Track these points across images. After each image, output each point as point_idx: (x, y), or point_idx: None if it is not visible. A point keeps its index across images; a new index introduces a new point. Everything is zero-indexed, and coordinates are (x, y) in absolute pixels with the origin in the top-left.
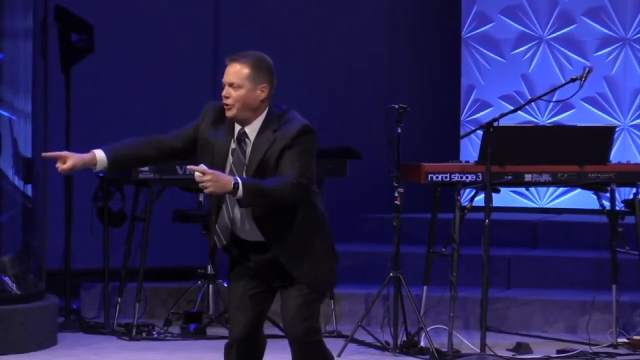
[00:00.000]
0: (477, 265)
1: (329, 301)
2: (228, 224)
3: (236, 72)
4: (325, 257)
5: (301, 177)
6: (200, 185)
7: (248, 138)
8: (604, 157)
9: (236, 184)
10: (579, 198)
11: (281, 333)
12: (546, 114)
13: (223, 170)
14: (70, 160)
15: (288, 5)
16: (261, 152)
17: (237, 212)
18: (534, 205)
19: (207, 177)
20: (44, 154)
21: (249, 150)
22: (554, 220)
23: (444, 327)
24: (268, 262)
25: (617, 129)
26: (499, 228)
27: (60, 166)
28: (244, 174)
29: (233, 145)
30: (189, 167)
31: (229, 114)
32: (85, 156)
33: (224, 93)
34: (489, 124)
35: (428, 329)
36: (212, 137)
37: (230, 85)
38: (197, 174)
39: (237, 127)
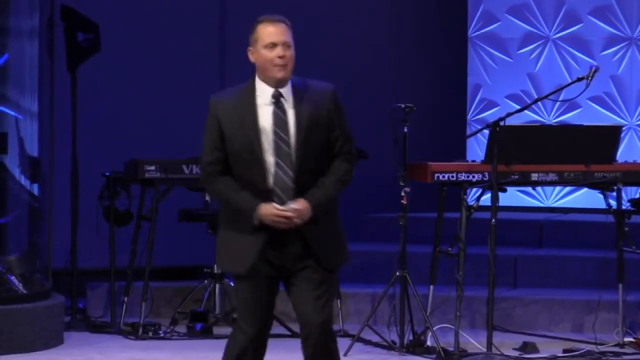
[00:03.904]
0: (483, 264)
1: (335, 301)
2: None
3: (286, 32)
4: (342, 234)
5: (353, 146)
6: (278, 222)
7: (284, 97)
8: (610, 157)
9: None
10: (586, 197)
11: (288, 332)
12: (552, 113)
13: (256, 138)
14: None
15: (291, 5)
16: (308, 110)
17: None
18: (540, 205)
19: (295, 215)
20: None
21: (292, 109)
22: (560, 220)
23: (451, 326)
24: (292, 240)
25: (624, 128)
26: (505, 227)
27: None
28: (293, 134)
29: (265, 107)
30: (274, 210)
31: (282, 74)
32: None
33: (280, 53)
34: (496, 123)
35: (434, 328)
36: (235, 115)
37: (284, 44)
38: (279, 214)
39: (263, 91)
